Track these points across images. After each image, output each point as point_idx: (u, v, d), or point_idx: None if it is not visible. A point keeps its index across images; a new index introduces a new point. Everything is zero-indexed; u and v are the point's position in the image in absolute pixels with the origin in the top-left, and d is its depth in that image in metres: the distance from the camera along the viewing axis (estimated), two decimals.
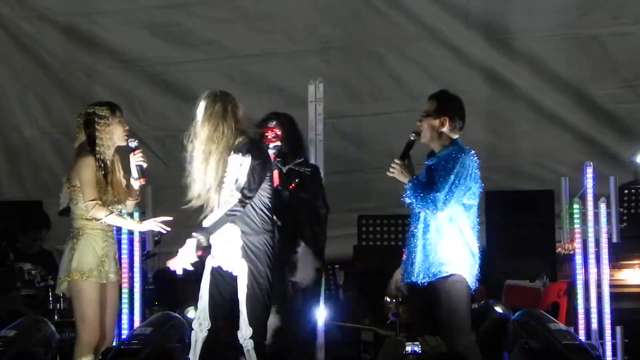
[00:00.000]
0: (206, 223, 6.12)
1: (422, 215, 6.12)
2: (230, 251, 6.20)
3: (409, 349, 5.59)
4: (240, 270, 6.15)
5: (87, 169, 6.39)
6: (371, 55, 10.26)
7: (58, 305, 7.84)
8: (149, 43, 10.31)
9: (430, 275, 6.06)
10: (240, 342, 6.18)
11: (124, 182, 6.54)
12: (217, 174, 6.15)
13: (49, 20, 10.35)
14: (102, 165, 6.43)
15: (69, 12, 10.36)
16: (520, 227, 8.78)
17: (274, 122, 6.90)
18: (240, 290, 6.14)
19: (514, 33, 10.19)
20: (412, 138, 6.22)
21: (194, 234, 6.06)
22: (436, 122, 6.20)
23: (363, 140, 10.22)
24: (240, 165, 6.27)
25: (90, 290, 6.40)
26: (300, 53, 10.18)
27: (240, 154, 6.25)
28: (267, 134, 6.89)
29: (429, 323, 6.10)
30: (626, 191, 7.75)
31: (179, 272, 6.12)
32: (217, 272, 6.26)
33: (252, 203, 6.14)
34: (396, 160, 6.18)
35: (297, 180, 6.84)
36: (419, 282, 6.09)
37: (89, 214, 6.39)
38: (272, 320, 6.56)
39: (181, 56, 10.28)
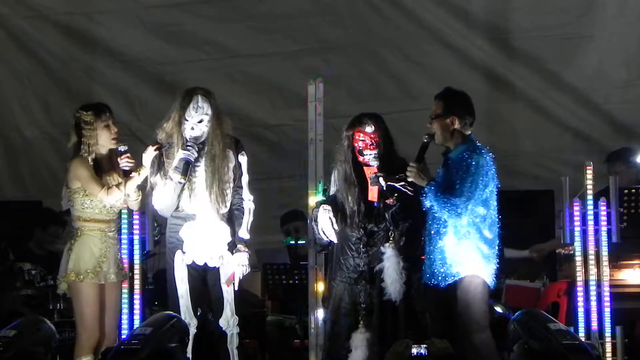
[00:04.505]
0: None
1: (439, 216, 6.16)
2: (213, 245, 6.49)
3: (415, 351, 5.60)
4: (226, 261, 6.53)
5: (81, 168, 6.44)
6: (371, 55, 10.25)
7: (58, 305, 7.87)
8: (149, 43, 10.30)
9: (449, 278, 6.11)
10: (224, 328, 6.49)
11: (119, 181, 6.55)
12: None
13: (49, 20, 10.34)
14: (94, 164, 6.46)
15: (69, 12, 10.35)
16: (520, 227, 8.76)
17: (372, 128, 6.56)
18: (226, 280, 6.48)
19: (514, 33, 10.17)
20: (425, 140, 6.23)
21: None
22: (446, 122, 6.22)
23: None
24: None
25: (87, 291, 6.42)
26: (300, 53, 10.18)
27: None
28: (361, 137, 6.55)
29: (444, 324, 6.13)
30: (626, 191, 7.73)
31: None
32: (191, 269, 6.53)
33: None
34: (412, 164, 6.19)
35: (395, 195, 6.45)
36: (437, 284, 6.16)
37: (108, 203, 6.43)
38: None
39: (181, 56, 10.27)
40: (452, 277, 6.11)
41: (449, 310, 6.16)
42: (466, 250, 6.11)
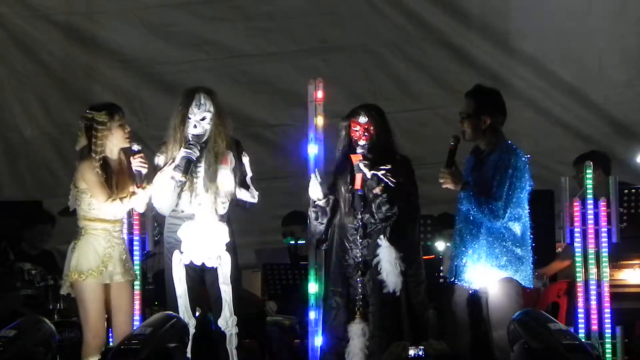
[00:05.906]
0: None
1: (473, 218, 6.13)
2: (211, 246, 6.47)
3: (412, 352, 5.59)
4: (224, 262, 6.50)
5: (90, 172, 6.38)
6: (371, 55, 10.26)
7: (58, 305, 7.86)
8: (149, 43, 10.31)
9: (482, 280, 6.10)
10: (223, 328, 6.48)
11: (131, 184, 6.52)
12: None
13: (49, 20, 10.34)
14: (103, 168, 6.43)
15: (69, 12, 10.36)
16: None
17: (366, 119, 6.59)
18: (224, 280, 6.47)
19: (514, 33, 10.18)
20: (452, 143, 6.12)
21: None
22: (478, 122, 6.16)
23: None
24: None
25: (90, 290, 6.40)
26: (300, 53, 10.18)
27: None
28: (356, 128, 6.60)
29: (470, 324, 6.12)
30: (626, 191, 7.73)
31: None
32: (189, 269, 6.52)
33: None
34: (443, 169, 6.11)
35: (382, 185, 6.50)
36: (469, 286, 6.15)
37: (114, 215, 6.41)
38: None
39: (181, 56, 10.28)
40: (486, 280, 6.10)
41: (478, 311, 6.15)
42: (500, 253, 6.09)
